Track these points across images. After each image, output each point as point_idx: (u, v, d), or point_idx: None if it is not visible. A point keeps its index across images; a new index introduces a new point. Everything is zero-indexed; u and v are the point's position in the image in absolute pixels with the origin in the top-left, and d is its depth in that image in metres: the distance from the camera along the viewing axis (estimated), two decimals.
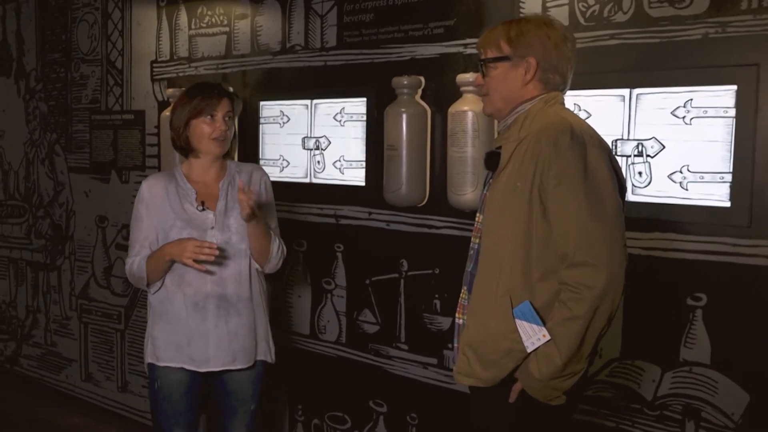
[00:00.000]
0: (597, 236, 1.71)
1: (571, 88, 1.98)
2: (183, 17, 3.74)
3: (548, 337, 1.74)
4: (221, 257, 2.44)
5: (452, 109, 2.65)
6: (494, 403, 1.88)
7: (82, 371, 4.45)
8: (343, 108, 3.10)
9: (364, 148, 3.03)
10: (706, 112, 2.19)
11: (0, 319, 5.00)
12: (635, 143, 2.31)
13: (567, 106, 1.96)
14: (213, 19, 3.60)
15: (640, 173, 2.31)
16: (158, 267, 2.48)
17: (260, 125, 3.41)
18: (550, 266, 1.78)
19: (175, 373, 2.53)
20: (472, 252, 1.97)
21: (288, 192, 3.26)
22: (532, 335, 1.76)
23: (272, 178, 2.74)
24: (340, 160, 3.13)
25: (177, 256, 2.39)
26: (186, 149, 2.56)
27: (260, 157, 3.41)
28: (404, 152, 2.76)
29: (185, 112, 2.51)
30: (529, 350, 1.78)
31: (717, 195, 2.18)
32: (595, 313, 1.71)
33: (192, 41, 3.70)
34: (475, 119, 2.57)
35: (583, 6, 2.43)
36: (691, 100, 2.21)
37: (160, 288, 2.54)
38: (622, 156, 2.32)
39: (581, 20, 2.43)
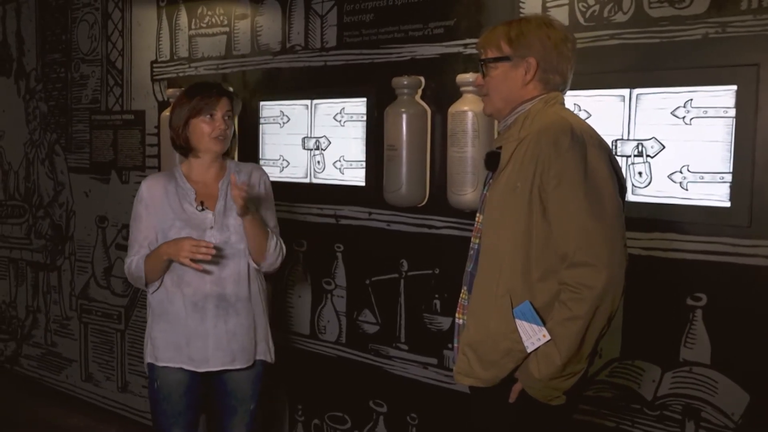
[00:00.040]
0: (597, 236, 1.71)
1: (571, 88, 1.99)
2: (183, 17, 3.74)
3: (548, 337, 1.74)
4: (218, 256, 2.44)
5: (452, 109, 2.65)
6: (494, 403, 1.89)
7: (82, 371, 4.45)
8: (343, 108, 3.10)
9: (364, 148, 3.03)
10: (706, 112, 2.19)
11: (0, 319, 5.00)
12: (635, 143, 2.31)
13: (567, 106, 1.96)
14: (213, 20, 3.60)
15: (640, 173, 2.31)
16: (156, 266, 2.48)
17: (260, 125, 3.41)
18: (550, 266, 1.78)
19: (175, 373, 2.53)
20: (472, 252, 1.97)
21: (288, 192, 3.26)
22: (532, 335, 1.76)
23: (272, 179, 2.74)
24: (340, 160, 3.13)
25: (174, 255, 2.39)
26: (185, 149, 2.56)
27: (260, 157, 3.41)
28: (404, 152, 2.76)
29: (184, 112, 2.51)
30: (529, 350, 1.78)
31: (717, 195, 2.18)
32: (595, 313, 1.71)
33: (192, 41, 3.70)
34: (475, 119, 2.57)
35: (583, 6, 2.43)
36: (691, 100, 2.21)
37: (158, 288, 2.54)
38: (622, 156, 2.32)
39: (581, 20, 2.43)
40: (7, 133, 4.84)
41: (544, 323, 1.76)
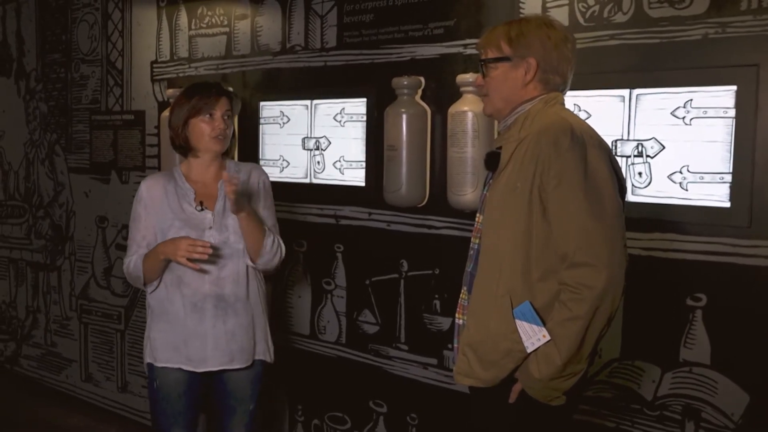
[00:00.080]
0: (597, 236, 1.71)
1: (571, 89, 1.99)
2: (183, 18, 3.75)
3: (548, 338, 1.74)
4: (215, 256, 2.44)
5: (452, 109, 2.65)
6: (494, 404, 1.89)
7: (82, 371, 4.45)
8: (343, 108, 3.10)
9: (364, 148, 3.03)
10: (706, 112, 2.19)
11: (0, 319, 5.00)
12: (635, 144, 2.31)
13: (567, 106, 1.96)
14: (213, 20, 3.60)
15: (640, 173, 2.31)
16: (154, 266, 2.48)
17: (260, 126, 3.41)
18: (550, 266, 1.78)
19: (174, 373, 2.53)
20: (472, 252, 1.97)
21: (288, 192, 3.26)
22: (532, 335, 1.76)
23: (272, 179, 2.74)
24: (340, 161, 3.13)
25: (171, 254, 2.39)
26: (185, 149, 2.56)
27: (260, 157, 3.41)
28: (404, 153, 2.76)
29: (184, 112, 2.51)
30: (529, 350, 1.78)
31: (717, 195, 2.18)
32: (595, 314, 1.71)
33: (192, 42, 3.70)
34: (475, 120, 2.57)
35: (583, 6, 2.43)
36: (691, 100, 2.22)
37: (157, 287, 2.54)
38: (622, 156, 2.32)
39: (581, 21, 2.43)
40: (7, 133, 4.84)
41: (544, 323, 1.76)
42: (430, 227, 2.85)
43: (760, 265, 2.13)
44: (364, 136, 3.02)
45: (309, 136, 3.23)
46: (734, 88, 2.14)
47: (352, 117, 3.08)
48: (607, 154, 1.81)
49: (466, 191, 2.62)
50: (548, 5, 2.50)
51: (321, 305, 3.25)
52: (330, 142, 3.15)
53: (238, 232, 2.50)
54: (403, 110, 2.77)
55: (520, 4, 2.56)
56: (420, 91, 2.82)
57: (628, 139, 2.33)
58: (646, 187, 2.30)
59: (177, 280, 2.50)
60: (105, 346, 4.30)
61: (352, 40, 3.06)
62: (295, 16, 3.25)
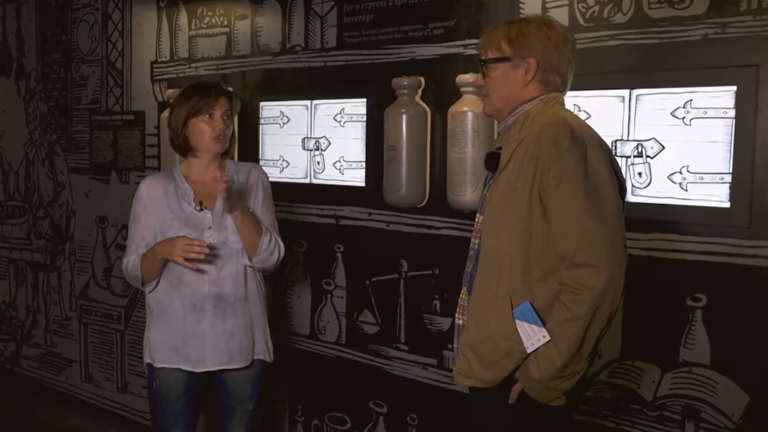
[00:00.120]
0: (597, 237, 1.71)
1: (571, 89, 1.99)
2: (183, 18, 3.75)
3: (548, 338, 1.74)
4: (212, 255, 2.44)
5: (452, 109, 2.65)
6: (494, 404, 1.89)
7: (82, 372, 4.45)
8: (343, 108, 3.10)
9: (364, 148, 3.03)
10: (706, 112, 2.19)
11: (0, 319, 5.00)
12: (635, 144, 2.31)
13: (567, 106, 1.96)
14: (213, 20, 3.60)
15: (639, 174, 2.31)
16: (151, 266, 2.48)
17: (260, 126, 3.41)
18: (550, 266, 1.78)
19: (173, 373, 2.53)
20: (472, 252, 1.97)
21: (288, 192, 3.26)
22: (532, 336, 1.76)
23: (272, 179, 2.74)
24: (340, 161, 3.13)
25: (168, 254, 2.39)
26: (184, 149, 2.56)
27: (260, 157, 3.41)
28: (404, 153, 2.76)
29: (183, 112, 2.51)
30: (529, 351, 1.78)
31: (717, 196, 2.18)
32: (595, 314, 1.71)
33: (192, 42, 3.70)
34: (475, 120, 2.57)
35: (583, 7, 2.43)
36: (691, 100, 2.22)
37: (155, 288, 2.54)
38: (621, 157, 2.32)
39: (581, 21, 2.43)
40: (7, 134, 4.84)
41: (544, 324, 1.76)
42: (430, 227, 2.85)
43: (760, 265, 2.13)
44: (364, 136, 3.02)
45: (309, 136, 3.23)
46: (734, 88, 2.14)
47: (352, 117, 3.08)
48: (607, 154, 1.81)
49: (466, 191, 2.62)
50: (548, 5, 2.51)
51: (321, 305, 3.25)
52: (330, 143, 3.15)
53: (237, 232, 2.50)
54: (403, 110, 2.77)
55: (520, 5, 2.57)
56: (420, 92, 2.82)
57: (627, 140, 2.33)
58: (645, 187, 2.30)
59: (176, 280, 2.50)
60: (105, 347, 4.30)
61: (352, 41, 3.06)
62: (295, 16, 3.25)
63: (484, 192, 1.95)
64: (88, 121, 4.26)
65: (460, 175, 2.62)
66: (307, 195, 3.25)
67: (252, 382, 2.61)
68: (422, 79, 2.80)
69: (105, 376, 4.31)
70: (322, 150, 3.18)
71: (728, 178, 2.16)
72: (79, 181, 4.35)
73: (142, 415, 4.03)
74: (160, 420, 2.58)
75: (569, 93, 1.99)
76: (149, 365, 2.58)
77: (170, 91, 3.68)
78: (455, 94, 2.67)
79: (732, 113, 2.15)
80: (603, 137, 1.86)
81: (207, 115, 2.50)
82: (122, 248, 3.99)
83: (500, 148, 1.90)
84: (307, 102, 3.23)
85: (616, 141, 2.33)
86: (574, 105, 2.40)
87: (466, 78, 2.60)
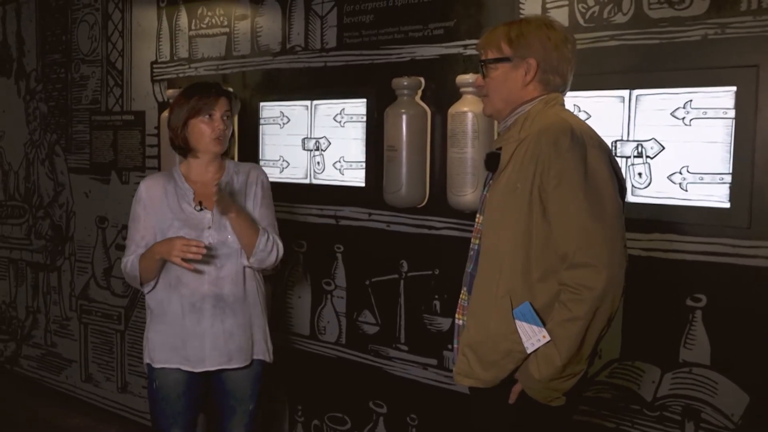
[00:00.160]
0: (597, 237, 1.71)
1: (571, 89, 1.99)
2: (183, 18, 3.75)
3: (548, 338, 1.74)
4: (209, 256, 2.43)
5: (452, 110, 2.65)
6: (494, 404, 1.89)
7: (82, 372, 4.45)
8: (343, 109, 3.10)
9: (364, 149, 3.03)
10: (706, 113, 2.19)
11: (0, 319, 5.00)
12: (635, 144, 2.31)
13: (567, 107, 1.96)
14: (213, 20, 3.60)
15: (639, 174, 2.31)
16: (150, 266, 2.48)
17: (260, 126, 3.41)
18: (550, 267, 1.78)
19: (173, 373, 2.54)
20: (472, 253, 1.97)
21: (288, 193, 3.26)
22: (532, 336, 1.76)
23: (272, 179, 2.74)
24: (340, 161, 3.13)
25: (165, 254, 2.39)
26: (184, 149, 2.56)
27: (260, 158, 3.41)
28: (404, 153, 2.76)
29: (183, 112, 2.51)
30: (529, 351, 1.78)
31: (717, 196, 2.18)
32: (595, 314, 1.71)
33: (192, 42, 3.70)
34: (475, 120, 2.57)
35: (583, 7, 2.43)
36: (691, 101, 2.22)
37: (154, 288, 2.54)
38: (621, 157, 2.32)
39: (581, 21, 2.43)
40: (8, 134, 4.84)
41: (544, 324, 1.76)
42: (430, 228, 2.85)
43: (760, 265, 2.13)
44: (364, 136, 3.02)
45: (309, 136, 3.23)
46: (734, 88, 2.14)
47: (352, 117, 3.08)
48: (607, 154, 1.81)
49: (466, 192, 2.62)
50: (548, 6, 2.51)
51: (321, 306, 3.25)
52: (330, 143, 3.15)
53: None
54: (403, 111, 2.77)
55: (520, 5, 2.57)
56: (420, 92, 2.82)
57: (627, 140, 2.33)
58: (645, 187, 2.31)
59: (175, 280, 2.50)
60: (105, 347, 4.30)
61: (352, 41, 3.06)
62: (295, 16, 3.25)
63: (484, 192, 1.95)
64: (88, 122, 4.26)
65: (460, 176, 2.62)
66: (307, 195, 3.25)
67: (252, 382, 2.61)
68: (422, 80, 2.80)
69: (105, 376, 4.31)
70: (322, 150, 3.19)
71: (728, 178, 2.16)
72: (79, 182, 4.35)
73: (142, 415, 4.03)
74: (160, 420, 2.58)
75: (569, 93, 1.99)
76: (149, 365, 2.58)
77: (170, 92, 3.69)
78: (455, 95, 2.67)
79: (732, 113, 2.15)
80: (603, 137, 1.86)
81: (207, 116, 2.50)
82: (122, 248, 3.98)
83: (500, 149, 1.90)
84: (307, 102, 3.23)
85: (616, 141, 2.33)
86: (574, 105, 2.40)
87: (466, 78, 2.60)
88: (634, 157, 2.31)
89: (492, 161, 1.92)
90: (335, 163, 3.14)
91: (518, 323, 1.78)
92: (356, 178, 3.07)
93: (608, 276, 1.69)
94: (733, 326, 2.17)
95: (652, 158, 2.29)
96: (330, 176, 3.17)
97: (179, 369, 2.53)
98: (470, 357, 1.88)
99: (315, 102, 3.20)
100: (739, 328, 2.16)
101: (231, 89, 3.24)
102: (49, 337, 4.65)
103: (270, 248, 2.52)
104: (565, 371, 1.75)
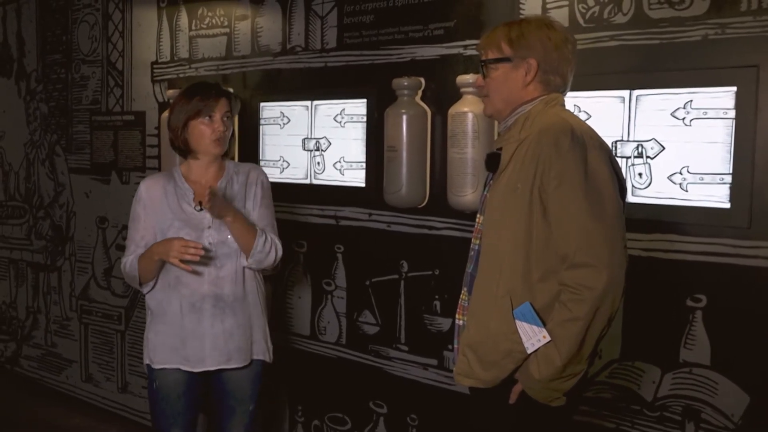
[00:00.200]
0: (597, 237, 1.71)
1: (572, 90, 1.99)
2: (183, 18, 3.75)
3: (548, 339, 1.74)
4: (206, 257, 2.43)
5: (452, 110, 2.65)
6: (494, 404, 1.89)
7: (82, 372, 4.45)
8: (344, 109, 3.10)
9: (364, 149, 3.03)
10: (706, 113, 2.19)
11: (0, 319, 5.00)
12: (635, 144, 2.31)
13: (567, 107, 1.96)
14: (213, 20, 3.60)
15: (640, 174, 2.31)
16: (149, 266, 2.48)
17: (260, 126, 3.41)
18: (551, 267, 1.78)
19: (172, 373, 2.54)
20: (472, 253, 1.97)
21: (288, 193, 3.26)
22: (532, 336, 1.76)
23: (272, 180, 2.74)
24: (340, 162, 3.13)
25: (164, 255, 2.39)
26: (184, 150, 2.56)
27: (260, 158, 3.41)
28: (404, 153, 2.76)
29: (183, 113, 2.51)
30: (529, 351, 1.78)
31: (717, 196, 2.18)
32: (595, 315, 1.71)
33: (192, 42, 3.70)
34: (476, 120, 2.57)
35: (583, 7, 2.43)
36: (691, 101, 2.22)
37: (153, 288, 2.54)
38: (622, 157, 2.32)
39: (581, 22, 2.44)
40: (8, 134, 4.85)
41: (545, 324, 1.76)
42: (430, 228, 2.85)
43: (760, 266, 2.13)
44: (364, 136, 3.02)
45: (309, 136, 3.23)
46: (734, 89, 2.14)
47: (352, 118, 3.08)
48: (607, 155, 1.81)
49: (466, 192, 2.62)
50: (548, 6, 2.51)
51: (321, 306, 3.25)
52: (330, 143, 3.16)
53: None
54: (403, 111, 2.77)
55: (520, 5, 2.57)
56: (420, 92, 2.82)
57: (628, 140, 2.33)
58: (646, 188, 2.31)
59: (175, 280, 2.50)
60: (105, 347, 4.30)
61: (352, 41, 3.06)
62: (296, 16, 3.26)
63: (485, 192, 1.96)
64: (89, 122, 4.26)
65: (461, 176, 2.62)
66: (307, 195, 3.25)
67: (251, 382, 2.61)
68: (422, 80, 2.81)
69: (105, 376, 4.31)
70: (322, 150, 3.19)
71: (728, 178, 2.16)
72: (79, 182, 4.35)
73: (142, 415, 4.03)
74: (160, 420, 2.58)
75: (569, 93, 1.99)
76: (149, 366, 2.58)
77: (170, 92, 3.69)
78: (455, 95, 2.67)
79: (732, 114, 2.15)
80: (603, 138, 1.86)
81: (207, 117, 2.49)
82: (122, 248, 3.98)
83: (500, 149, 1.90)
84: (308, 102, 3.23)
85: (616, 142, 2.33)
86: (575, 105, 2.40)
87: (466, 78, 2.60)
88: (635, 157, 2.31)
89: (492, 161, 1.92)
90: (335, 163, 3.14)
91: (518, 323, 1.78)
92: (356, 178, 3.07)
93: (608, 276, 1.69)
94: (734, 326, 2.17)
95: (652, 158, 2.29)
96: (330, 176, 3.17)
97: (179, 369, 2.53)
98: (470, 357, 1.88)
99: (315, 102, 3.20)
100: (740, 328, 2.16)
101: (231, 90, 3.24)
102: (49, 337, 4.65)
103: (268, 249, 2.52)
104: (565, 371, 1.75)
